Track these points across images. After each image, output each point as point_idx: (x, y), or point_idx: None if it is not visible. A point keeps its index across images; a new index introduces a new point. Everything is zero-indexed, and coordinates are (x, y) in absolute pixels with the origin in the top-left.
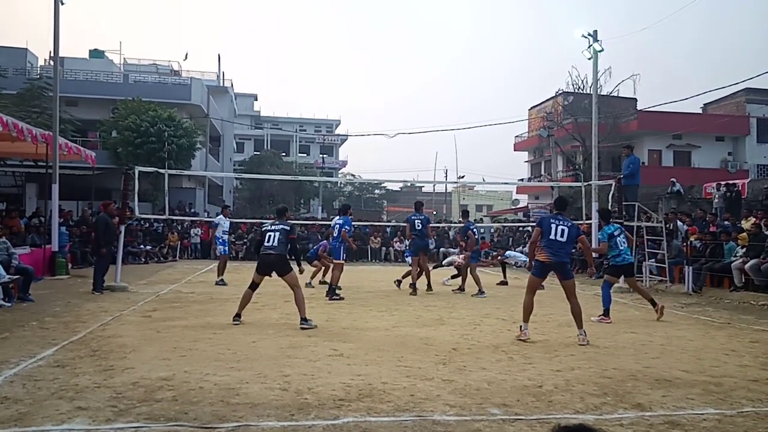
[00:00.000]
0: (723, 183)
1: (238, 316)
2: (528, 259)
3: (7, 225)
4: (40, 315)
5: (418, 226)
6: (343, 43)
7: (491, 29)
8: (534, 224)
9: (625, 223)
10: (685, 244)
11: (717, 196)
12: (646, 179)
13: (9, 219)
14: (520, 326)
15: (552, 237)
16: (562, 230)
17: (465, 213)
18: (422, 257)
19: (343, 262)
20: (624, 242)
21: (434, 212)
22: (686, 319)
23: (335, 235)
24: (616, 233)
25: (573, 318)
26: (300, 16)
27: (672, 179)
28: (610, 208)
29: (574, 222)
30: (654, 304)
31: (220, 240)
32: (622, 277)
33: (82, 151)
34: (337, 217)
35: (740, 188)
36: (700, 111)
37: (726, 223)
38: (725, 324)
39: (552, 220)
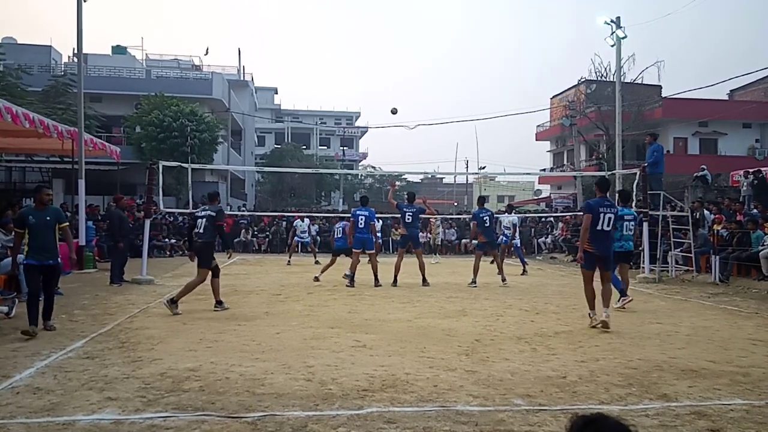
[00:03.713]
0: (751, 171)
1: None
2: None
3: None
4: (69, 308)
5: (408, 218)
6: (362, 33)
7: (520, 13)
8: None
9: (650, 212)
10: (711, 233)
11: (745, 183)
12: (672, 168)
13: None
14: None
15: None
16: (609, 218)
17: (480, 200)
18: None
19: (374, 252)
20: (631, 229)
21: (455, 203)
22: (713, 309)
23: (361, 226)
24: (626, 217)
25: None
26: (318, 8)
27: (702, 166)
28: (634, 197)
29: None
30: (624, 294)
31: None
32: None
33: (107, 146)
34: (362, 209)
35: (766, 175)
36: (726, 97)
37: (755, 211)
38: (753, 314)
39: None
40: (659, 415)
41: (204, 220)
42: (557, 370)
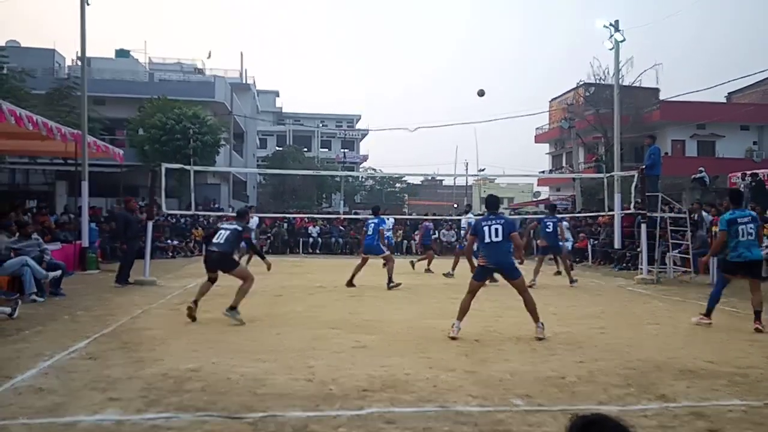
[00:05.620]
0: (748, 173)
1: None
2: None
3: (39, 222)
4: (72, 309)
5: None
6: (363, 36)
7: (518, 17)
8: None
9: (648, 214)
10: (709, 234)
11: (742, 185)
12: (670, 170)
13: (40, 216)
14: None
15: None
16: (496, 229)
17: (552, 207)
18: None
19: (388, 253)
20: (751, 233)
21: (455, 205)
22: None
23: (370, 233)
24: (740, 220)
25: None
26: (319, 11)
27: (700, 168)
28: (633, 198)
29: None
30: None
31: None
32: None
33: (110, 149)
34: (373, 218)
35: (763, 177)
36: (724, 100)
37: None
38: (750, 315)
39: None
40: (658, 415)
41: (227, 232)
42: (556, 370)
